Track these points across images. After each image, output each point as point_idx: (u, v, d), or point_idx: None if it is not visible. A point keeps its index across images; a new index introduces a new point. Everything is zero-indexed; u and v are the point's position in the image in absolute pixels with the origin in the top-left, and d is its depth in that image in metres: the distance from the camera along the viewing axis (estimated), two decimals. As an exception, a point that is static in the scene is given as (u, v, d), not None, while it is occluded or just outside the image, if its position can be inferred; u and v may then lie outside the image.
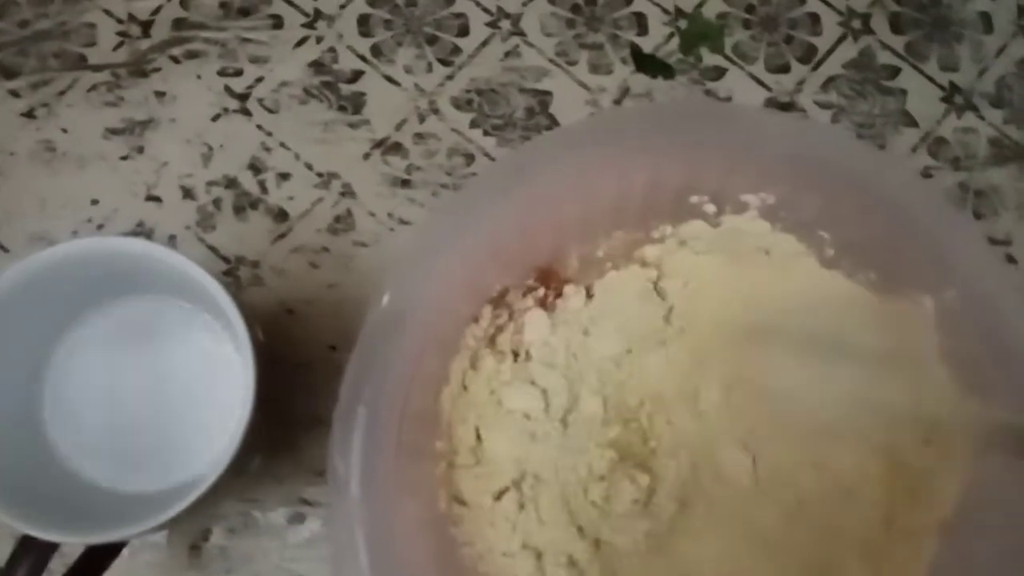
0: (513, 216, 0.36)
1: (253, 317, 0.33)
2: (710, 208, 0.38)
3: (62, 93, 0.45)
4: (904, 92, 0.47)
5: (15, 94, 0.45)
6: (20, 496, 0.31)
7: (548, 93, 0.46)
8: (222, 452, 0.31)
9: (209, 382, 0.36)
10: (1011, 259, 0.44)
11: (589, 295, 0.40)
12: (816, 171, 0.35)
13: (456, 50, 0.46)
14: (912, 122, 0.46)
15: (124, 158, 0.44)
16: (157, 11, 0.46)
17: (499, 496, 0.37)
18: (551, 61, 0.46)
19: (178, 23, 0.46)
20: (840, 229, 0.37)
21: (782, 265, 0.39)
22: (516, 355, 0.39)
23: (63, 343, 0.35)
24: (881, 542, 0.37)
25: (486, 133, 0.45)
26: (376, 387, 0.33)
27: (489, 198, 0.36)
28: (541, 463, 0.38)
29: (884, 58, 0.47)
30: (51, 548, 0.32)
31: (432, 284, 0.35)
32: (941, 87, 0.47)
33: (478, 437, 0.38)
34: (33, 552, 0.31)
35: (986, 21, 0.48)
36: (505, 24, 0.46)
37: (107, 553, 0.35)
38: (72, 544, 0.34)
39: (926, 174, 0.45)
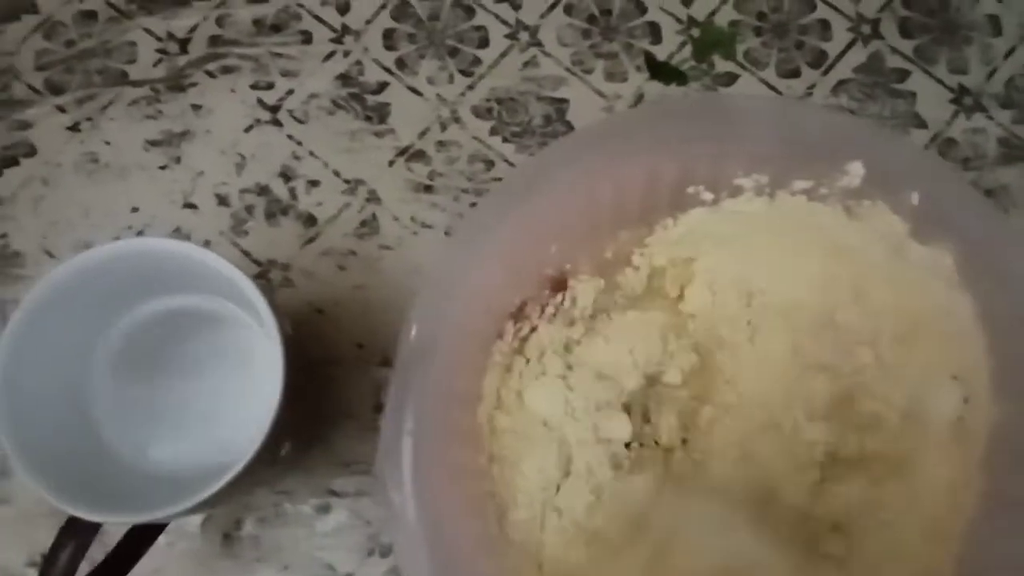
0: (521, 231, 0.38)
1: (282, 311, 0.34)
2: (707, 196, 0.39)
3: (105, 108, 0.47)
4: (913, 95, 0.48)
5: (62, 109, 0.47)
6: (68, 480, 0.33)
7: (565, 101, 0.47)
8: (253, 439, 0.32)
9: (245, 374, 0.38)
10: (1022, 256, 0.45)
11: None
12: (804, 146, 0.37)
13: (476, 61, 0.48)
14: (922, 123, 0.47)
15: (163, 168, 0.47)
16: (194, 29, 0.48)
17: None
18: (568, 70, 0.48)
19: (213, 40, 0.48)
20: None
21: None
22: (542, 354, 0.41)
23: (110, 336, 0.38)
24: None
25: (505, 140, 0.47)
26: (417, 418, 0.35)
27: (499, 218, 0.37)
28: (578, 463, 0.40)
29: (894, 62, 0.48)
30: (94, 529, 0.34)
31: (456, 309, 0.36)
32: (950, 89, 0.48)
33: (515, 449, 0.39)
34: (78, 533, 0.34)
35: (995, 24, 0.49)
36: (523, 35, 0.48)
37: (145, 538, 0.37)
38: (114, 526, 0.36)
39: (936, 174, 0.46)
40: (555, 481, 0.39)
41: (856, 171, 0.37)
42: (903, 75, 0.48)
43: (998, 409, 0.36)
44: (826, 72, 0.48)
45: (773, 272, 0.41)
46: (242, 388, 0.38)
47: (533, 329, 0.40)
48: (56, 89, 0.48)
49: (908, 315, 0.39)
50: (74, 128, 0.47)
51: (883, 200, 0.38)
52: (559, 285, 0.41)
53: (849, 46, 0.49)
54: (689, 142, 0.38)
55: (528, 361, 0.40)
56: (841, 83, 0.48)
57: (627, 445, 0.39)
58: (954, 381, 0.38)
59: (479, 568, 0.36)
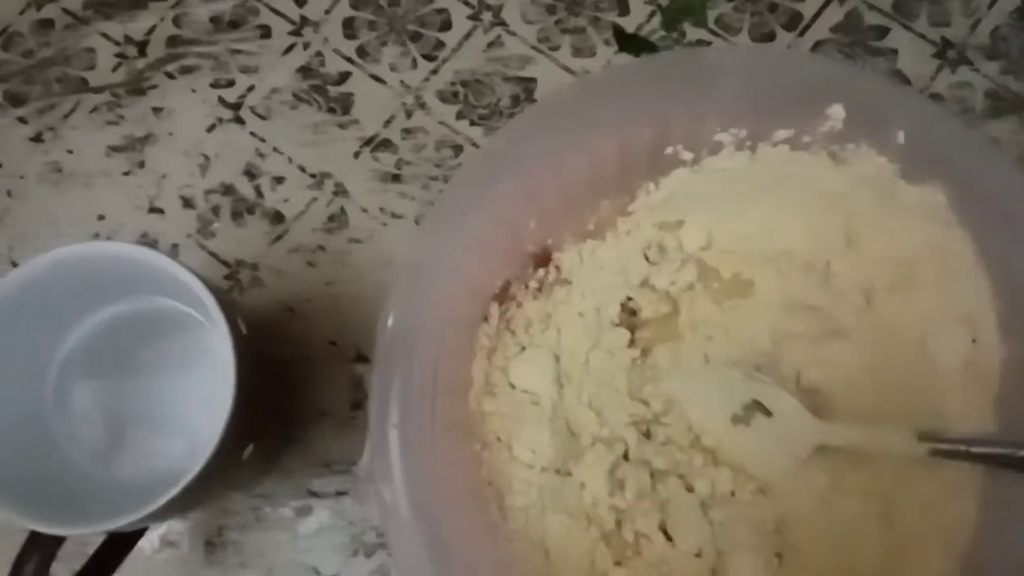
0: (497, 211, 0.37)
1: (236, 310, 0.34)
2: (687, 156, 0.38)
3: (66, 116, 0.47)
4: (895, 51, 0.46)
5: (23, 120, 0.47)
6: (26, 493, 0.32)
7: (532, 80, 0.46)
8: (210, 440, 0.31)
9: (206, 377, 0.37)
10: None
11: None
12: (781, 94, 0.35)
13: (439, 45, 0.47)
14: (905, 80, 0.46)
15: (126, 173, 0.46)
16: (151, 31, 0.48)
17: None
18: (534, 48, 0.47)
19: (172, 40, 0.47)
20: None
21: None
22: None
23: (65, 343, 0.37)
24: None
25: (473, 123, 0.46)
26: (402, 409, 0.34)
27: (470, 199, 0.36)
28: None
29: (872, 19, 0.46)
30: (57, 542, 0.33)
31: (435, 296, 0.35)
32: (933, 43, 0.46)
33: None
34: (40, 547, 0.33)
35: (975, -27, 0.47)
36: (486, 16, 0.47)
37: (122, 546, 0.36)
38: (94, 535, 0.35)
39: (922, 132, 0.45)
40: (556, 461, 0.37)
41: (837, 114, 0.36)
42: (882, 32, 0.46)
43: (1008, 348, 0.35)
44: (802, 33, 0.47)
45: (762, 227, 0.40)
46: (204, 391, 0.37)
47: (519, 306, 0.39)
48: (17, 100, 0.47)
49: (904, 259, 0.38)
50: (37, 139, 0.47)
51: (868, 142, 0.36)
52: (542, 261, 0.40)
53: (825, 5, 0.47)
54: (661, 101, 0.37)
55: (513, 334, 0.39)
56: (818, 44, 0.46)
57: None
58: (960, 323, 0.36)
59: (482, 559, 0.35)
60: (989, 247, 0.35)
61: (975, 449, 0.32)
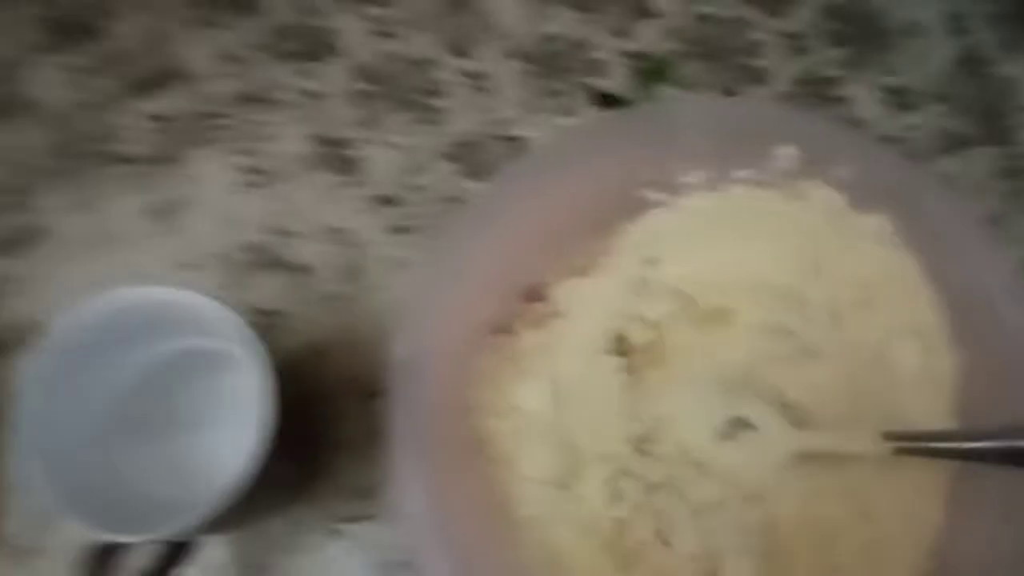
0: (491, 253, 0.42)
1: (269, 348, 0.38)
2: (659, 197, 0.43)
3: (101, 185, 0.52)
4: (850, 99, 0.51)
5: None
6: (94, 509, 0.36)
7: (522, 138, 0.51)
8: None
9: (232, 419, 0.42)
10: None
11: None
12: (736, 137, 0.41)
13: (437, 110, 0.52)
14: (860, 124, 0.51)
15: (161, 235, 0.51)
16: (177, 107, 0.53)
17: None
18: (522, 110, 0.52)
19: (197, 116, 0.53)
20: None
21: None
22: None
23: (129, 378, 0.42)
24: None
25: (471, 179, 0.51)
26: (413, 432, 0.38)
27: (466, 243, 0.41)
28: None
29: (827, 71, 0.52)
30: (122, 549, 0.37)
31: (437, 331, 0.40)
32: (884, 90, 0.51)
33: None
34: (109, 554, 0.37)
35: (917, 27, 0.52)
36: (479, 82, 0.52)
37: (173, 558, 0.40)
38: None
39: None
40: (558, 476, 0.41)
41: (789, 154, 0.41)
42: (837, 82, 0.51)
43: (957, 354, 0.40)
44: (764, 86, 0.52)
45: (733, 259, 0.44)
46: (247, 421, 0.41)
47: (517, 337, 0.44)
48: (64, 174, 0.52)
49: (862, 281, 0.42)
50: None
51: (819, 178, 0.42)
52: (536, 296, 0.45)
53: (783, 61, 0.52)
54: (632, 149, 0.42)
55: (513, 362, 0.43)
56: (779, 96, 0.51)
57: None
58: (914, 335, 0.41)
59: (497, 565, 0.39)
60: (932, 265, 0.40)
61: (932, 444, 0.37)
